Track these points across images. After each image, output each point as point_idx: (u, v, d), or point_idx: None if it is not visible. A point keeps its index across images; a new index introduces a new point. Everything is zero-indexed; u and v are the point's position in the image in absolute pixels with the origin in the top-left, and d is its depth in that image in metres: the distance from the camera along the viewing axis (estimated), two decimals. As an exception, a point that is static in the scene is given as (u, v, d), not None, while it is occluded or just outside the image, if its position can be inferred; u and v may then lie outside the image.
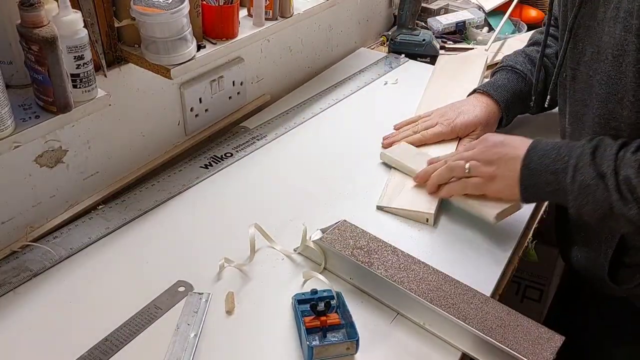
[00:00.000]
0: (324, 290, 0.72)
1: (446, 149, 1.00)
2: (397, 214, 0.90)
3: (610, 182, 0.69)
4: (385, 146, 1.04)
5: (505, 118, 1.04)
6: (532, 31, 1.20)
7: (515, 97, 1.03)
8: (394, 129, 1.09)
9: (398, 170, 0.98)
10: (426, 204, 0.89)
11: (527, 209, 0.92)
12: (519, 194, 0.80)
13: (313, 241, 0.80)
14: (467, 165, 0.85)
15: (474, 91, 1.07)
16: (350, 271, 0.78)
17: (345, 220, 0.83)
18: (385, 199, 0.92)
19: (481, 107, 1.03)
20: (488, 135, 0.87)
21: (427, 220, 0.88)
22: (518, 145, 0.81)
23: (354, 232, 0.81)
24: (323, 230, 0.82)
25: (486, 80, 1.13)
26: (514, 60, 1.08)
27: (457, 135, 1.03)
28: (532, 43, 1.12)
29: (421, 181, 0.92)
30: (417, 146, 1.02)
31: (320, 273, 0.77)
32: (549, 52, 1.02)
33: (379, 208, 0.91)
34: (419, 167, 0.94)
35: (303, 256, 0.82)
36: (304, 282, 0.78)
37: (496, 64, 1.39)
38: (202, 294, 0.75)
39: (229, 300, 0.74)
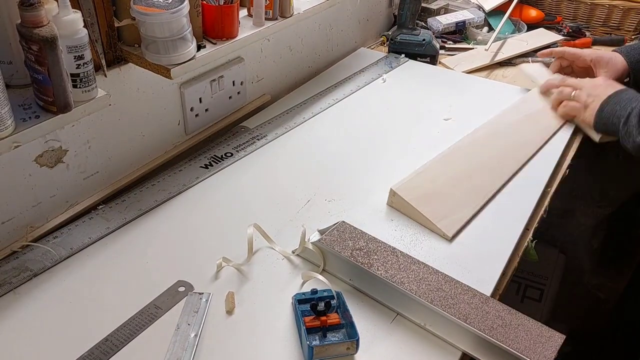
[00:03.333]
0: (324, 290, 0.72)
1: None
2: (411, 216, 0.86)
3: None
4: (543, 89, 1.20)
5: (632, 74, 1.18)
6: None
7: None
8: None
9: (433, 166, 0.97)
10: (449, 220, 0.85)
11: (527, 209, 0.92)
12: (593, 123, 1.05)
13: (312, 243, 0.80)
14: (574, 92, 1.09)
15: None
16: (349, 272, 0.77)
17: (344, 221, 0.83)
18: (403, 191, 0.87)
19: (615, 57, 1.17)
20: (602, 77, 1.12)
21: (443, 235, 0.84)
22: (615, 86, 1.05)
23: (353, 233, 0.81)
24: (321, 232, 0.82)
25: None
26: None
27: (589, 63, 1.19)
28: None
29: (542, 90, 1.17)
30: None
31: (319, 274, 0.77)
32: None
33: (392, 192, 0.88)
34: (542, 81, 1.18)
35: (302, 258, 0.82)
36: (303, 284, 0.78)
37: (499, 63, 1.41)
38: (202, 293, 0.75)
39: (229, 300, 0.74)
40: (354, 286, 0.77)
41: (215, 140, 1.08)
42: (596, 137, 1.07)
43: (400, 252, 0.78)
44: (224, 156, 1.03)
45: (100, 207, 0.91)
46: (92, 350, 0.68)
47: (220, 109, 1.11)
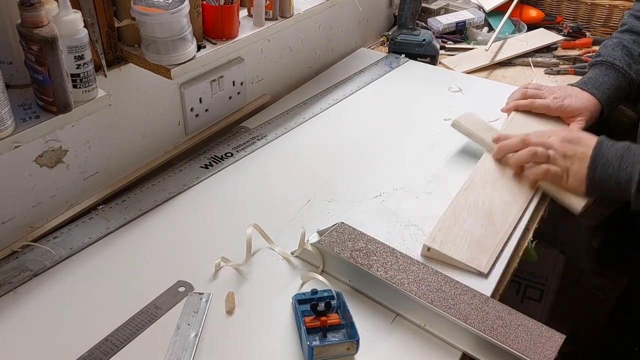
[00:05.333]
0: (324, 291, 0.72)
1: (523, 130, 1.03)
2: (445, 261, 0.81)
3: None
4: (506, 110, 1.11)
5: (607, 112, 1.09)
6: (626, 13, 1.23)
7: (615, 92, 1.09)
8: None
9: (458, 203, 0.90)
10: (482, 257, 0.81)
11: (528, 209, 0.91)
12: (586, 192, 0.90)
13: (311, 244, 0.79)
14: (549, 153, 0.91)
15: (574, 85, 1.12)
16: (349, 273, 0.77)
17: (343, 222, 0.82)
18: (436, 242, 0.82)
19: (586, 99, 1.08)
20: (566, 128, 0.99)
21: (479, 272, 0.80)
22: (590, 144, 0.90)
23: (352, 234, 0.80)
24: (320, 233, 0.81)
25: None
26: (612, 55, 1.12)
27: (561, 114, 1.09)
28: (627, 29, 1.17)
29: (497, 157, 0.98)
30: (521, 111, 1.10)
31: (318, 275, 0.76)
32: None
33: (428, 249, 0.81)
34: (488, 139, 1.01)
35: (301, 259, 0.82)
36: (302, 284, 0.77)
37: (499, 63, 1.41)
38: (202, 293, 0.75)
39: (230, 300, 0.74)
40: (353, 287, 0.77)
41: (215, 140, 1.08)
42: (579, 205, 0.90)
43: (400, 252, 0.78)
44: (224, 156, 1.03)
45: (100, 207, 0.91)
46: (92, 350, 0.68)
47: (220, 109, 1.11)
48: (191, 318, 0.71)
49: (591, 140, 0.90)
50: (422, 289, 0.72)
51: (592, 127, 1.08)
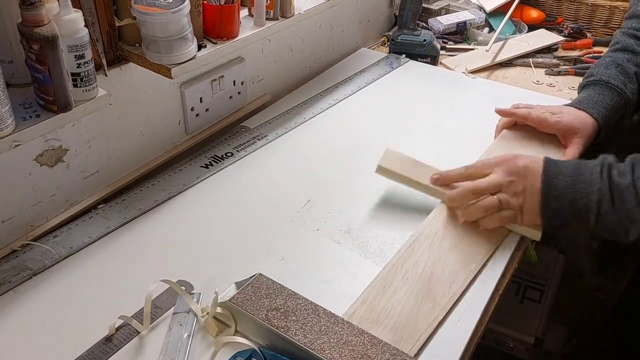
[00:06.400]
0: (244, 351, 0.66)
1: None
2: None
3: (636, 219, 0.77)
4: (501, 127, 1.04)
5: (604, 133, 1.02)
6: (616, 32, 1.18)
7: (612, 112, 1.03)
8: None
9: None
10: (408, 341, 0.70)
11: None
12: (544, 228, 0.84)
13: (219, 304, 0.70)
14: (499, 199, 0.83)
15: (570, 105, 1.05)
16: (266, 336, 0.68)
17: (260, 274, 0.73)
18: (355, 318, 0.71)
19: (583, 118, 1.01)
20: (507, 160, 0.85)
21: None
22: (537, 173, 0.82)
23: (270, 289, 0.71)
24: (238, 285, 0.73)
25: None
26: (606, 74, 1.06)
27: (557, 132, 1.00)
28: (619, 48, 1.11)
29: (452, 204, 0.87)
30: (513, 126, 1.03)
31: (232, 336, 0.69)
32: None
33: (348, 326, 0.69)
34: (423, 179, 0.89)
35: (218, 320, 0.72)
36: (215, 353, 0.68)
37: (500, 63, 1.41)
38: (192, 293, 0.75)
39: (211, 325, 0.70)
40: (272, 349, 0.68)
41: (215, 140, 1.08)
42: (537, 236, 0.85)
43: (323, 309, 0.69)
44: (224, 156, 1.03)
45: (100, 206, 0.91)
46: (91, 350, 0.68)
47: (220, 108, 1.11)
48: (183, 318, 0.71)
49: (537, 168, 0.83)
50: (344, 354, 0.64)
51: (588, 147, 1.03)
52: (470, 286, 0.77)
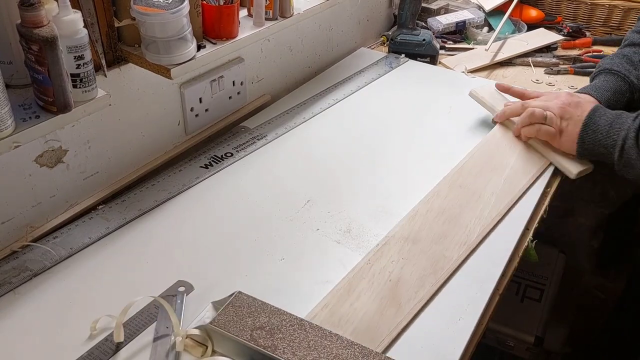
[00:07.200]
0: None
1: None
2: None
3: None
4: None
5: None
6: (629, 32, 1.21)
7: (615, 95, 1.07)
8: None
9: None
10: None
11: (527, 209, 0.92)
12: (576, 153, 0.97)
13: (197, 327, 0.67)
14: (546, 114, 0.98)
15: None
16: (249, 355, 0.65)
17: (240, 292, 0.70)
18: (316, 322, 0.69)
19: (583, 96, 1.05)
20: (566, 93, 1.02)
21: None
22: (587, 109, 0.96)
23: (252, 307, 0.68)
24: (216, 305, 0.70)
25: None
26: (610, 63, 1.12)
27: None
28: (628, 44, 1.15)
29: (499, 119, 1.08)
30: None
31: (211, 356, 0.66)
32: None
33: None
34: (499, 107, 1.09)
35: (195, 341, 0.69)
36: None
37: (499, 63, 1.41)
38: (175, 295, 0.74)
39: (192, 346, 0.68)
40: None
41: (215, 140, 1.08)
42: (574, 170, 0.97)
43: (309, 323, 0.67)
44: (224, 156, 1.03)
45: (100, 207, 0.91)
46: (91, 351, 0.68)
47: (220, 109, 1.11)
48: (169, 322, 0.70)
49: (589, 105, 0.97)
50: None
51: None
52: (470, 286, 0.78)
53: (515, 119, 1.05)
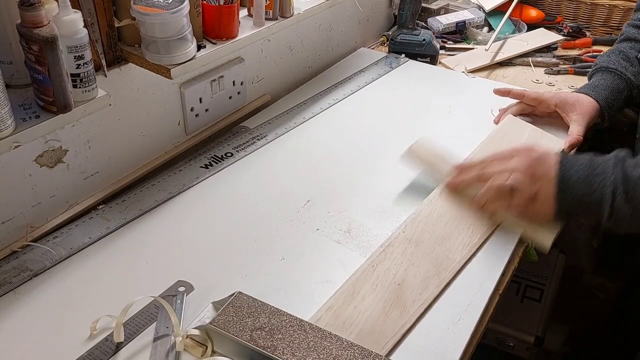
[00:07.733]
0: None
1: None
2: None
3: None
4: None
5: (607, 114, 1.05)
6: (624, 24, 1.21)
7: (613, 94, 1.05)
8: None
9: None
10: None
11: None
12: (554, 217, 0.82)
13: (196, 328, 0.67)
14: (513, 185, 0.82)
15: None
16: (249, 355, 0.65)
17: (240, 293, 0.70)
18: (320, 324, 0.69)
19: (579, 95, 1.05)
20: (525, 147, 0.86)
21: None
22: (550, 161, 0.82)
23: (252, 308, 0.68)
24: (216, 305, 0.70)
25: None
26: (606, 60, 1.10)
27: (555, 107, 1.06)
28: (624, 39, 1.14)
29: (451, 190, 0.89)
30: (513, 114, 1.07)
31: (211, 357, 0.66)
32: None
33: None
34: (445, 170, 0.92)
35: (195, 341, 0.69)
36: None
37: (499, 63, 1.41)
38: (175, 295, 0.74)
39: (192, 346, 0.68)
40: None
41: (215, 140, 1.08)
42: (549, 240, 0.84)
43: (309, 324, 0.67)
44: (224, 156, 1.03)
45: (100, 207, 0.91)
46: (92, 351, 0.68)
47: (220, 109, 1.11)
48: (169, 322, 0.70)
49: (549, 156, 0.84)
50: None
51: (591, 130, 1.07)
52: (470, 286, 0.78)
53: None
